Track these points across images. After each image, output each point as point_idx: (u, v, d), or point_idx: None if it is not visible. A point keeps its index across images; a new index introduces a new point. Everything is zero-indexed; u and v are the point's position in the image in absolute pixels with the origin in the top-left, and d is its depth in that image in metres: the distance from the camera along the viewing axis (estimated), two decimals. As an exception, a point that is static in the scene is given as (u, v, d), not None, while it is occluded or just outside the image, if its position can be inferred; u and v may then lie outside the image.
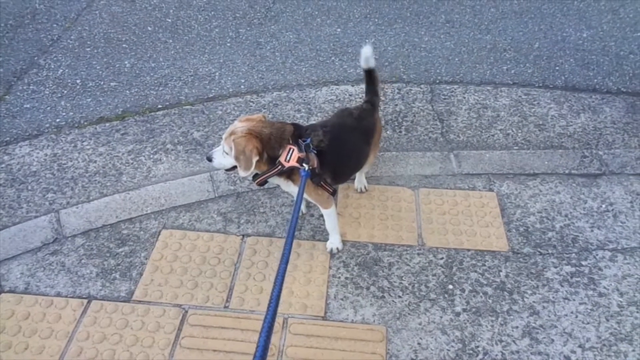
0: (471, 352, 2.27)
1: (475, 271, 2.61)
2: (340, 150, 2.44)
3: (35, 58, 4.19)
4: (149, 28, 4.56)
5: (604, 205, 2.96)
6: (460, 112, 3.70)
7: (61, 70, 4.06)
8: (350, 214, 2.92)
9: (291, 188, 2.42)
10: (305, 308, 2.45)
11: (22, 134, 3.50)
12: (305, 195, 2.39)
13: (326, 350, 2.27)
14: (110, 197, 3.03)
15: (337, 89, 3.90)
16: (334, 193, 2.46)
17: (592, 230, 2.82)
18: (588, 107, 3.76)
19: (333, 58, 4.24)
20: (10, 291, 2.53)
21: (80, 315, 2.43)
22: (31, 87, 3.90)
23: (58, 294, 2.52)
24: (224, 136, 2.27)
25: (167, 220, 2.90)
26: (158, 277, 2.60)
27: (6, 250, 2.73)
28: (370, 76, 2.69)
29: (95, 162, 3.29)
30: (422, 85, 3.94)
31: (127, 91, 3.89)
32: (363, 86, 3.79)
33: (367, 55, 2.56)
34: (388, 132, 3.52)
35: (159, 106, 3.75)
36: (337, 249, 2.70)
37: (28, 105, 3.73)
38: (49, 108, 3.72)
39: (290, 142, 2.29)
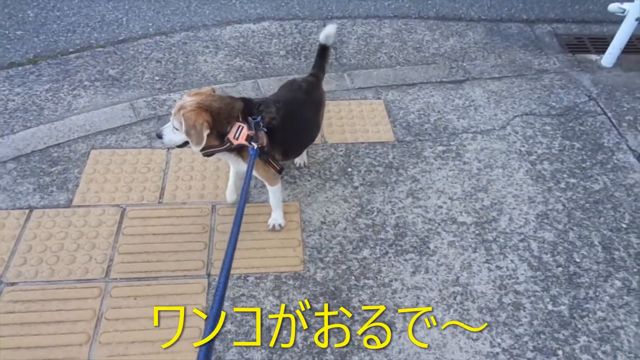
0: (368, 211, 2.84)
1: (369, 157, 3.17)
2: (293, 126, 2.45)
3: None
4: (49, -20, 4.63)
5: (467, 102, 3.64)
6: (350, 41, 4.24)
7: (-39, 22, 4.06)
8: (261, 124, 3.36)
9: (240, 165, 2.43)
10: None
11: None
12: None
13: (251, 223, 2.72)
14: (35, 128, 3.23)
15: (240, 27, 4.28)
16: (281, 171, 2.45)
17: (458, 120, 3.48)
18: (455, 33, 4.45)
19: (234, 0, 4.59)
20: (-51, 211, 2.70)
21: (25, 222, 2.67)
22: None
23: (-2, 208, 2.74)
24: (172, 112, 2.23)
25: (95, 142, 3.16)
26: (94, 186, 2.89)
27: (-63, 180, 2.86)
28: (323, 52, 2.72)
29: (13, 100, 3.43)
30: (316, 21, 4.42)
31: (35, 38, 4.00)
32: (265, 23, 4.24)
33: (329, 33, 2.61)
34: (289, 59, 3.98)
35: (70, 50, 3.92)
36: (280, 225, 2.68)
37: None
38: (-46, 57, 3.75)
39: (240, 119, 2.26)
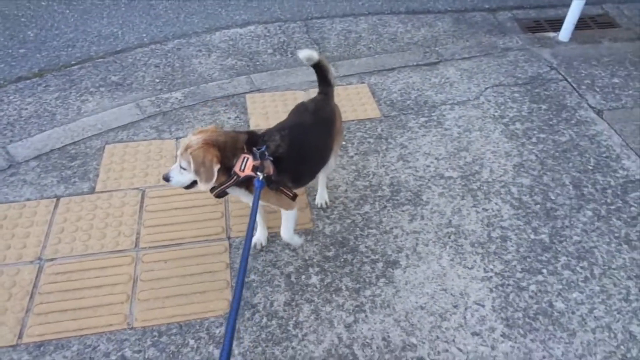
0: (364, 175, 3.15)
1: (360, 131, 3.50)
2: (300, 152, 2.35)
3: None
4: (43, 3, 4.92)
5: (443, 80, 4.02)
6: (331, 37, 4.61)
7: (-34, 45, 4.31)
8: (259, 112, 3.67)
9: (251, 199, 2.27)
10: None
11: (-56, 99, 3.77)
12: (264, 203, 2.36)
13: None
14: (50, 130, 3.48)
15: (228, 32, 4.62)
16: (294, 197, 2.31)
17: (436, 95, 3.85)
18: (426, 24, 4.86)
19: (219, 10, 4.94)
20: (-18, 205, 2.94)
21: (54, 208, 2.92)
22: (-61, 61, 4.13)
23: (28, 199, 2.97)
24: (178, 152, 2.17)
25: (107, 138, 3.43)
26: (112, 174, 3.15)
27: (-35, 181, 3.09)
28: (319, 69, 2.55)
29: (26, 109, 3.69)
30: (297, 22, 4.79)
31: (38, 55, 4.27)
32: (251, 27, 4.60)
33: (305, 56, 2.45)
34: (277, 56, 4.33)
35: (72, 62, 4.20)
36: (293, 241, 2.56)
37: (-58, 76, 3.98)
38: (-36, 76, 4.00)
39: (245, 150, 2.19)
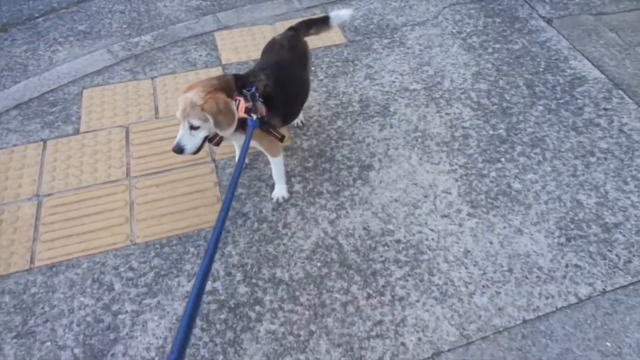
0: (335, 94, 3.35)
1: (327, 57, 3.67)
2: (286, 89, 2.40)
3: None
4: (-5, -40, 4.83)
5: (402, 3, 4.18)
6: (291, -28, 4.68)
7: None
8: (229, 48, 3.80)
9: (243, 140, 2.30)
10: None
11: None
12: (255, 144, 2.39)
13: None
14: (26, 81, 3.56)
15: (189, -26, 4.64)
16: (282, 139, 2.37)
17: (397, 18, 4.02)
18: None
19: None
20: (-28, 154, 3.05)
21: (42, 150, 3.06)
22: None
23: (15, 145, 3.10)
24: (180, 115, 2.09)
25: (84, 83, 3.52)
26: (94, 115, 3.28)
27: (-50, 134, 3.19)
28: (322, 22, 2.75)
29: (-3, 64, 3.74)
30: (256, -41, 4.83)
31: (-1, 10, 4.26)
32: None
33: (341, 16, 2.74)
34: (240, -6, 4.41)
35: (36, 15, 4.21)
36: (283, 197, 2.69)
37: None
38: None
39: (236, 93, 2.20)
